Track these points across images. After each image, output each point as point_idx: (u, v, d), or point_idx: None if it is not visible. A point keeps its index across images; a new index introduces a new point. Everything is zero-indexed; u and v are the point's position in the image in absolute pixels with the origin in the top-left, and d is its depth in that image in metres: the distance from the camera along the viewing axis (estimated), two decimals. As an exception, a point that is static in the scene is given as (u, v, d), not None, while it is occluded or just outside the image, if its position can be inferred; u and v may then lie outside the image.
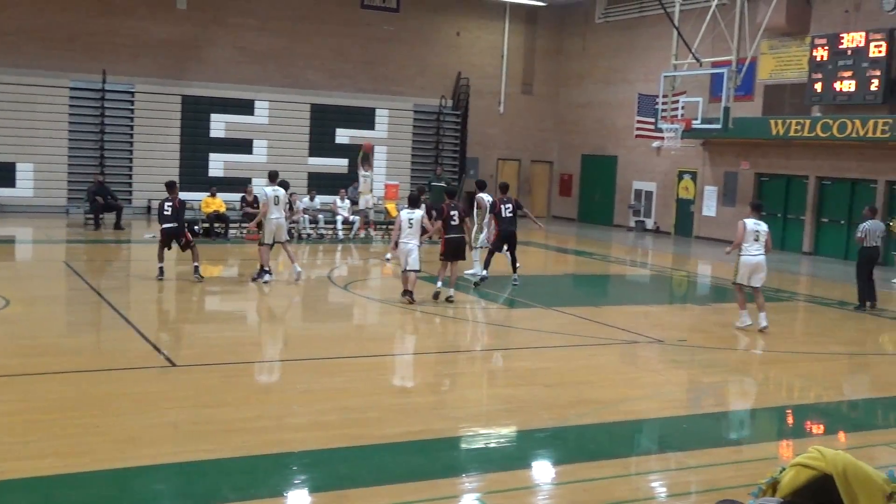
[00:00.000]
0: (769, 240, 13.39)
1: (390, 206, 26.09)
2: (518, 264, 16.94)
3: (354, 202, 25.04)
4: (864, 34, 23.63)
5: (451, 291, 14.81)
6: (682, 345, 12.60)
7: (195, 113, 29.13)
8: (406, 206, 15.25)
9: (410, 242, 14.56)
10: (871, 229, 16.18)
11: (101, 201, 24.08)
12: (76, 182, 27.36)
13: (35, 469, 6.52)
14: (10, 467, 6.51)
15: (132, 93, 28.40)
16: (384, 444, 7.45)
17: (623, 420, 8.79)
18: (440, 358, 11.69)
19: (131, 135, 28.49)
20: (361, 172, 24.96)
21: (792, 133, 24.74)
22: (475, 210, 18.12)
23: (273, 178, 16.53)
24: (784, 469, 2.01)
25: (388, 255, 18.96)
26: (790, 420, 9.43)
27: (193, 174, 28.30)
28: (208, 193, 24.30)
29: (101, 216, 24.01)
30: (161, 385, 9.14)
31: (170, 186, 16.39)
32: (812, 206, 25.96)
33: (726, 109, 23.47)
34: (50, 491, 6.25)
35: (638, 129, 28.09)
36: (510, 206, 16.74)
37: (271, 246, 16.11)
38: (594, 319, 14.01)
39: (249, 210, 23.01)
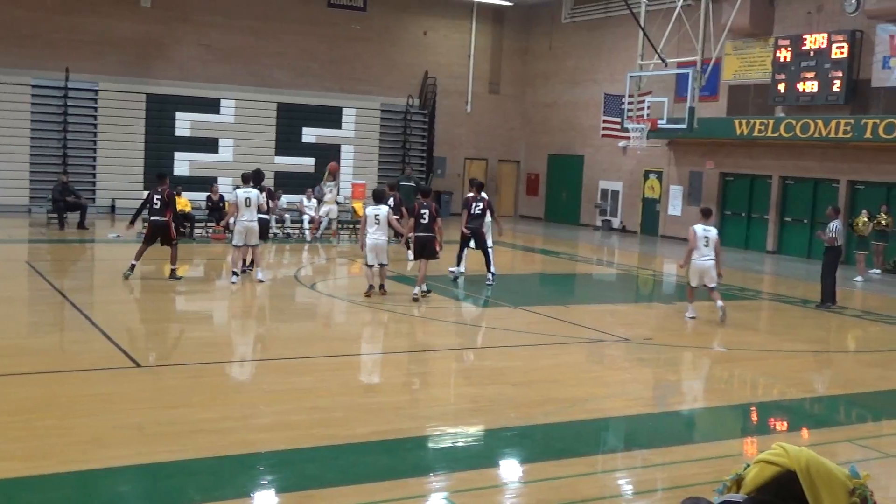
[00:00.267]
0: (718, 243, 14.40)
1: (357, 206, 26.03)
2: (493, 269, 17.14)
3: (321, 201, 24.94)
4: (826, 36, 23.93)
5: (416, 290, 14.83)
6: (648, 343, 12.69)
7: (160, 111, 28.87)
8: (373, 202, 15.39)
9: (378, 238, 14.70)
10: (840, 229, 16.64)
11: (65, 202, 23.75)
12: (38, 181, 27.02)
13: (-3, 472, 6.43)
14: (-28, 470, 6.41)
15: (96, 91, 28.10)
16: (351, 444, 7.43)
17: (589, 418, 8.83)
18: (408, 357, 11.68)
19: (95, 133, 28.17)
20: (326, 184, 24.72)
21: (756, 133, 24.99)
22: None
23: (246, 180, 16.30)
24: (748, 466, 2.03)
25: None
26: (754, 417, 9.52)
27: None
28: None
29: (64, 215, 23.72)
30: (125, 386, 9.05)
31: (160, 177, 16.25)
32: (776, 206, 26.25)
33: (691, 109, 23.65)
34: (13, 494, 6.15)
35: (604, 128, 28.25)
36: (480, 205, 16.98)
37: (240, 248, 16.02)
38: (561, 318, 14.06)
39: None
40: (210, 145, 29.53)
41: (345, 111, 31.71)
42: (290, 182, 27.91)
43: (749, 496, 1.97)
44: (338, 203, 25.09)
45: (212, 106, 29.52)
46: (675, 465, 7.51)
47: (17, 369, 9.54)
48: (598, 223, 32.14)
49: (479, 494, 6.64)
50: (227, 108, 29.84)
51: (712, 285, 14.25)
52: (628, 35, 28.45)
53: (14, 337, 11.48)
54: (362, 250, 15.19)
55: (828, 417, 9.89)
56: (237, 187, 16.38)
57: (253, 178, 16.39)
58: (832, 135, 23.03)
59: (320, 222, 24.23)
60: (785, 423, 9.40)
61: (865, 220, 20.65)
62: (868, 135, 22.20)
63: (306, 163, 30.62)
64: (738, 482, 2.03)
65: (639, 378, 10.99)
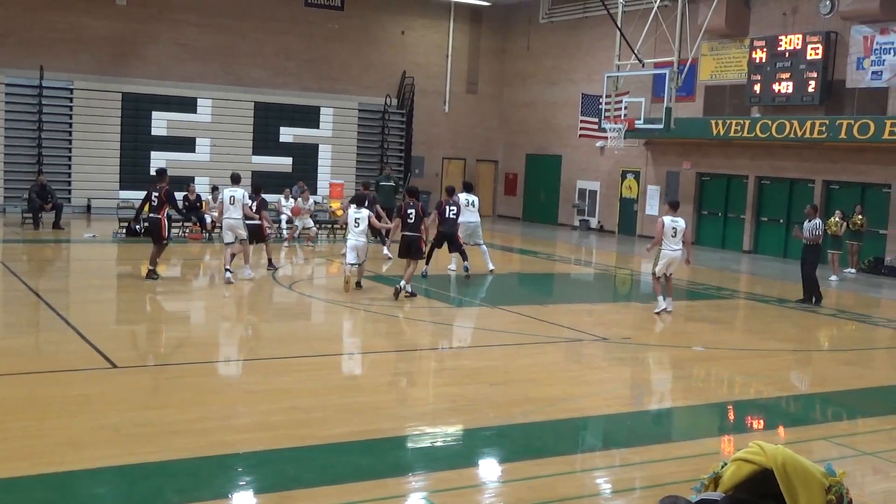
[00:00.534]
0: (688, 233, 14.89)
1: (335, 205, 25.93)
2: (467, 263, 17.63)
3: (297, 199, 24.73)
4: (801, 37, 24.13)
5: (402, 283, 14.93)
6: (625, 342, 12.74)
7: (136, 110, 28.67)
8: (354, 206, 15.80)
9: (359, 240, 15.23)
10: (822, 227, 17.12)
11: (41, 202, 23.51)
12: (13, 181, 26.78)
13: (-28, 474, 6.37)
14: (-54, 473, 6.36)
15: (71, 90, 27.87)
16: (330, 444, 7.42)
17: (568, 417, 8.86)
18: (386, 357, 11.67)
19: (70, 133, 27.95)
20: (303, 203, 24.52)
21: (732, 133, 25.15)
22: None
23: (235, 180, 16.72)
24: (725, 464, 2.05)
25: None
26: (731, 416, 9.58)
27: (134, 173, 27.87)
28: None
29: (39, 215, 23.51)
30: (102, 387, 8.99)
31: (160, 174, 16.39)
32: (752, 206, 26.42)
33: (668, 110, 23.74)
34: (-12, 496, 6.11)
35: (582, 128, 28.34)
36: (455, 209, 17.37)
37: (230, 244, 16.27)
38: (539, 318, 14.10)
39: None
40: (187, 145, 29.36)
41: (322, 111, 31.62)
42: (267, 181, 27.69)
43: (726, 494, 1.99)
44: (311, 216, 24.67)
45: (188, 105, 29.35)
46: (652, 464, 7.55)
47: (-8, 371, 9.45)
48: (576, 223, 32.23)
49: (458, 494, 6.65)
50: (204, 107, 29.67)
51: (670, 273, 14.85)
52: (605, 35, 28.53)
53: (-11, 338, 11.37)
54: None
55: (804, 415, 9.96)
56: (215, 188, 16.44)
57: (253, 189, 17.50)
58: (807, 135, 23.22)
59: (297, 229, 24.01)
60: (762, 422, 9.47)
61: (838, 220, 20.85)
62: (843, 135, 22.39)
63: (284, 162, 30.52)
64: (715, 480, 2.05)
65: (617, 377, 11.03)
